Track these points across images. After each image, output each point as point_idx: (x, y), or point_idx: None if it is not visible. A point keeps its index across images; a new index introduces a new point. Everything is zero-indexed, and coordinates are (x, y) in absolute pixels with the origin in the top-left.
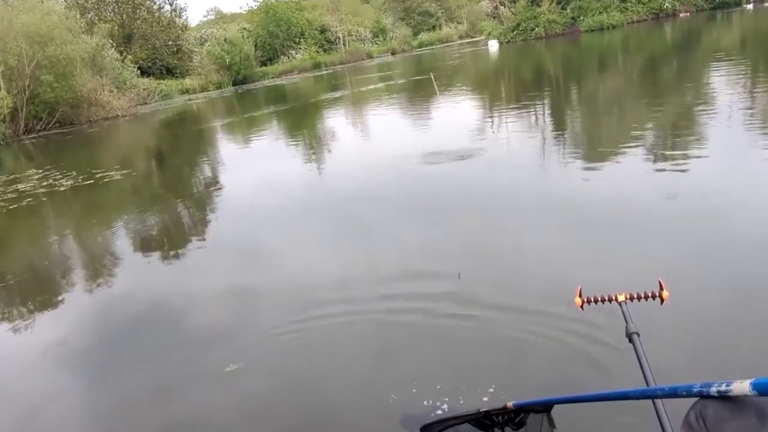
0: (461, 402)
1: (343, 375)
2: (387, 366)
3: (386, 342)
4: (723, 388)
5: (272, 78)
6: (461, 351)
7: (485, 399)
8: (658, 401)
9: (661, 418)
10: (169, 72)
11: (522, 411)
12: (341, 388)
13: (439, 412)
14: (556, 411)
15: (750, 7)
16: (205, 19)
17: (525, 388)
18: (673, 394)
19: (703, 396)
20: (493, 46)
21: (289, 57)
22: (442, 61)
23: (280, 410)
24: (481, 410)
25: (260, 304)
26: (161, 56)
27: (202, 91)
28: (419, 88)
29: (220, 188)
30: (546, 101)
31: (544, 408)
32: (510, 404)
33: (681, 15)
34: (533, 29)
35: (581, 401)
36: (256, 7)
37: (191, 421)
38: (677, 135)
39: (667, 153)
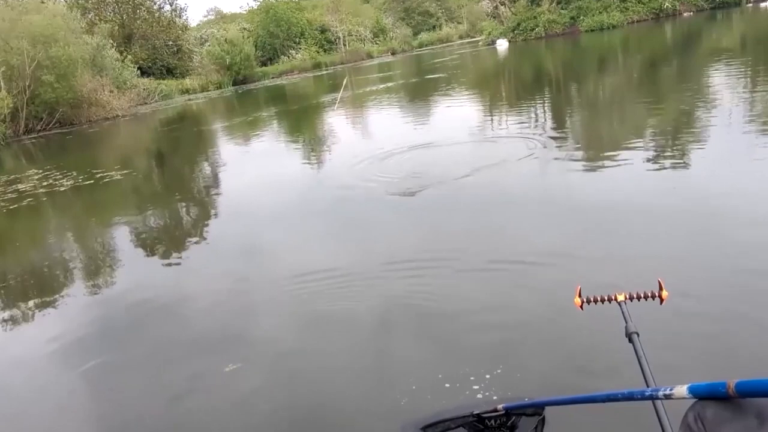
0: (458, 391)
1: (345, 374)
2: (389, 362)
3: (388, 338)
4: (668, 392)
5: (272, 78)
6: (460, 346)
7: (487, 377)
8: (658, 402)
9: (661, 419)
10: (169, 72)
11: (513, 414)
12: (342, 388)
13: (438, 408)
14: (550, 411)
15: (764, 5)
16: (205, 19)
17: (524, 383)
18: (630, 397)
19: (654, 398)
20: (502, 45)
21: (289, 57)
22: (449, 60)
23: (280, 409)
24: (474, 412)
25: (259, 301)
26: (161, 56)
27: (202, 91)
28: (422, 89)
29: (219, 188)
30: (557, 99)
31: (535, 411)
32: (500, 406)
33: (685, 14)
34: (533, 29)
35: (570, 403)
36: (256, 7)
37: (191, 418)
38: (679, 134)
39: (668, 152)
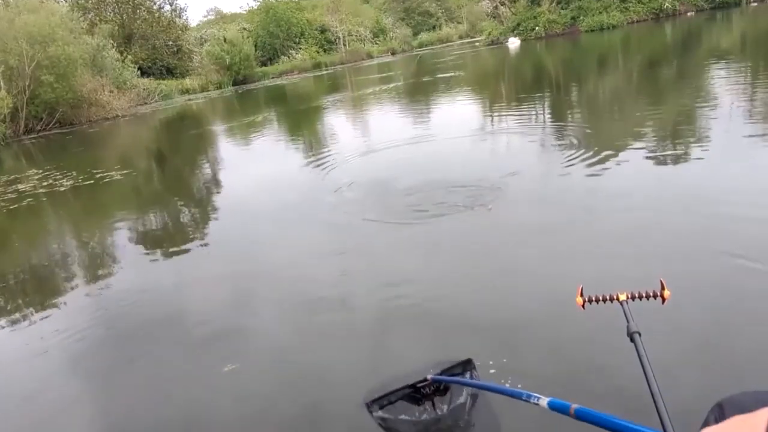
0: None
1: (345, 373)
2: (388, 360)
3: (387, 336)
4: (536, 401)
5: (272, 78)
6: (459, 345)
7: (488, 372)
8: (658, 397)
9: (662, 415)
10: (169, 72)
11: (442, 382)
12: (342, 387)
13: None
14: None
15: None
16: (205, 19)
17: (523, 382)
18: (518, 395)
19: (527, 401)
20: (514, 43)
21: (289, 57)
22: (458, 60)
23: (279, 409)
24: (409, 384)
25: (257, 302)
26: (161, 56)
27: (202, 91)
28: (427, 90)
29: (218, 189)
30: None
31: (464, 368)
32: (429, 377)
33: (688, 14)
34: (533, 29)
35: (485, 389)
36: (256, 7)
37: (190, 418)
38: (681, 133)
39: (670, 151)
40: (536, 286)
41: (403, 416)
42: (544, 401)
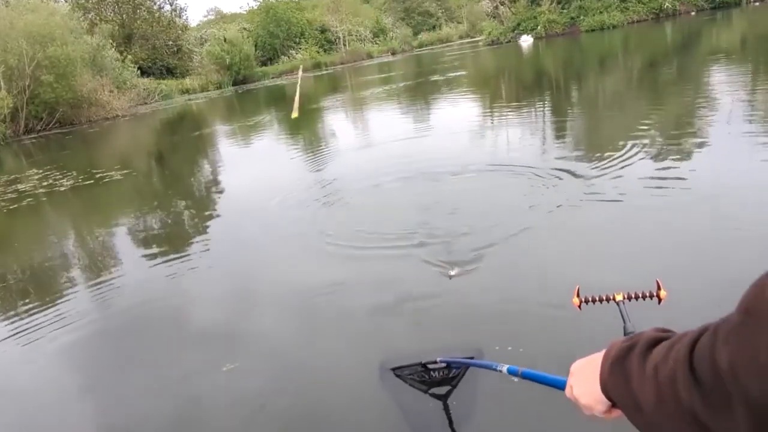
0: None
1: (344, 371)
2: (388, 358)
3: (387, 335)
4: (500, 368)
5: (272, 78)
6: (458, 344)
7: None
8: None
9: None
10: (169, 72)
11: (452, 366)
12: (341, 385)
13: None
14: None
15: None
16: (205, 19)
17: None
18: (489, 366)
19: (495, 370)
20: (527, 41)
21: (289, 57)
22: (464, 59)
23: (277, 407)
24: (421, 362)
25: (255, 301)
26: (161, 56)
27: (202, 91)
28: (430, 89)
29: (218, 188)
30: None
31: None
32: (439, 359)
33: (692, 14)
34: (533, 29)
35: (479, 366)
36: (256, 7)
37: (189, 417)
38: (679, 134)
39: (668, 152)
40: (532, 286)
41: (411, 387)
42: (504, 368)
